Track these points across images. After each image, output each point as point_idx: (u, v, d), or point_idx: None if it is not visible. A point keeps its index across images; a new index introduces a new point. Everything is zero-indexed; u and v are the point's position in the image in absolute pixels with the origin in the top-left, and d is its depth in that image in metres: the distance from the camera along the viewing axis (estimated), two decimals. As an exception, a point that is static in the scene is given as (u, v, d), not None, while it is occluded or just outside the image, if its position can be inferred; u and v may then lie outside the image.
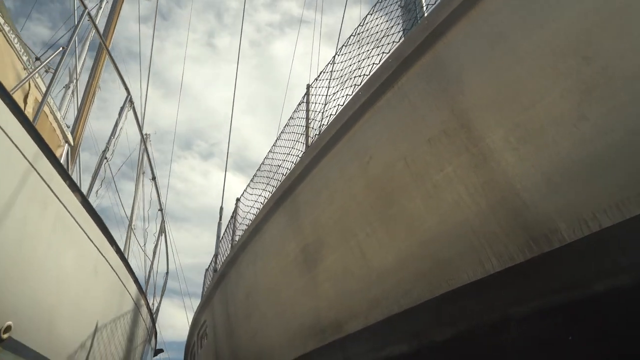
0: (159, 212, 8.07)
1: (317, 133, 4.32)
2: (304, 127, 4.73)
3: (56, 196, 3.16)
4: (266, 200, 5.23)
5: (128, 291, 5.22)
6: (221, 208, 8.69)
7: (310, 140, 4.60)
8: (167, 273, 9.29)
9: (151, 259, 7.74)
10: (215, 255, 7.75)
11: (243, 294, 5.77)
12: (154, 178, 7.54)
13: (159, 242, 7.83)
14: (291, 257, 4.57)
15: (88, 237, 3.72)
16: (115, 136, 4.79)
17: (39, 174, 2.95)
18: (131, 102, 4.84)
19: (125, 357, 5.61)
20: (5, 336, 2.86)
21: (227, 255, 6.80)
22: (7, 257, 2.80)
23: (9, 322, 2.88)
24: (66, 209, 3.29)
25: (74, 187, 3.38)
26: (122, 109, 5.13)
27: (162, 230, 8.07)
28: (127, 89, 4.87)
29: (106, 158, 4.65)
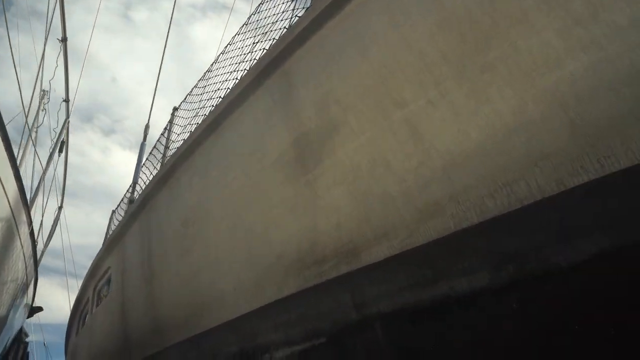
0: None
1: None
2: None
3: None
4: (235, 84, 3.64)
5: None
6: (147, 125, 6.77)
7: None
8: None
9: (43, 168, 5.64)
10: (134, 183, 5.88)
11: (178, 222, 4.11)
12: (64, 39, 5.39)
13: (59, 140, 5.77)
14: (274, 156, 3.06)
15: None
16: None
17: None
18: None
19: None
20: None
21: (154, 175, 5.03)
22: None
23: None
24: None
25: None
26: None
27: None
28: None
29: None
